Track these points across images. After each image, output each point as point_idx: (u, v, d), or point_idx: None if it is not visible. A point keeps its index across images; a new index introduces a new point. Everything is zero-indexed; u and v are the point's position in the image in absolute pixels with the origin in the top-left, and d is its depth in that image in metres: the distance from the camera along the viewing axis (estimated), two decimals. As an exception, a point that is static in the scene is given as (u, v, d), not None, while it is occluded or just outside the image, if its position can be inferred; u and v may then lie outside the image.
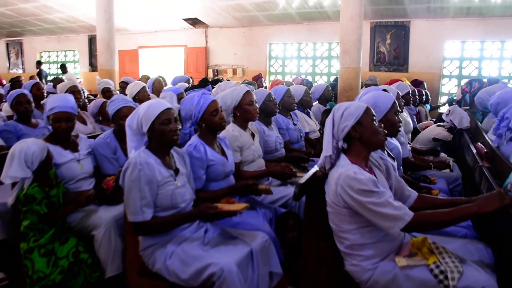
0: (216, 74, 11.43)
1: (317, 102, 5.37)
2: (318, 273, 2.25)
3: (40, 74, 11.67)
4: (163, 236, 2.29)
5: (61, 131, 2.86)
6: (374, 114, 2.09)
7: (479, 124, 4.50)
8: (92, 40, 12.68)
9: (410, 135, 4.87)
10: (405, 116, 4.62)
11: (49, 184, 2.57)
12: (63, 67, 11.67)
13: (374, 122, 2.05)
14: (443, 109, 7.56)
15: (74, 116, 2.92)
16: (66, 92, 4.50)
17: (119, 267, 2.69)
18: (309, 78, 10.59)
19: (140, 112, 2.29)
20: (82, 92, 4.90)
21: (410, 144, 4.49)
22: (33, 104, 3.87)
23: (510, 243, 1.87)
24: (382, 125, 2.12)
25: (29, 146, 2.45)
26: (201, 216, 2.28)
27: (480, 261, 2.05)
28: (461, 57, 9.53)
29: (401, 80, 5.87)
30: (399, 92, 3.82)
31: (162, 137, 2.27)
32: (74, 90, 4.60)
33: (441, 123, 4.88)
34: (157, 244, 2.28)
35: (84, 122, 4.38)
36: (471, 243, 2.23)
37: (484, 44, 9.26)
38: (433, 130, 4.65)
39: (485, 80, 7.15)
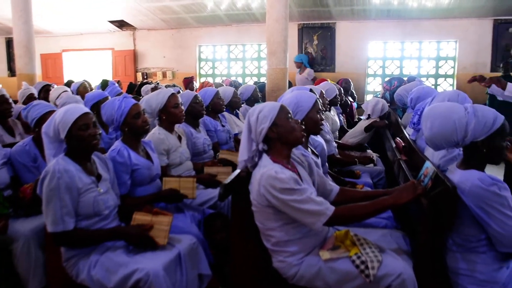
0: (145, 77, 11.17)
1: (244, 103, 5.40)
2: (247, 272, 2.27)
3: None
4: (86, 247, 2.21)
5: None
6: (289, 111, 2.14)
7: (399, 120, 4.73)
8: (9, 43, 11.90)
9: (337, 133, 5.03)
10: (332, 115, 4.76)
11: None
12: None
13: (290, 120, 2.09)
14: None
15: None
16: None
17: (42, 281, 2.58)
18: (239, 79, 10.63)
19: (56, 119, 2.20)
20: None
21: (339, 141, 4.65)
22: None
23: (423, 230, 1.99)
24: (299, 121, 2.18)
25: None
26: (126, 237, 2.23)
27: (398, 249, 2.17)
28: (384, 57, 9.98)
29: (327, 80, 6.03)
30: (323, 91, 3.94)
31: (81, 143, 2.20)
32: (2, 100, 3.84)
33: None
34: (80, 254, 2.21)
35: (12, 133, 4.01)
36: (391, 232, 2.36)
37: (404, 45, 9.76)
38: (364, 122, 4.83)
39: (405, 78, 7.56)
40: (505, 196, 1.85)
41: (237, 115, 4.79)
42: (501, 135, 1.95)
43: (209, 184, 2.98)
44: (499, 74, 7.62)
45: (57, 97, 4.80)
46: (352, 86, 7.88)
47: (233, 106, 4.69)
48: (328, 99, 4.57)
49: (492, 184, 1.85)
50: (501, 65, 7.60)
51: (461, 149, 2.10)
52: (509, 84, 3.36)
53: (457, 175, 2.00)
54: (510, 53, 8.58)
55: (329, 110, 4.69)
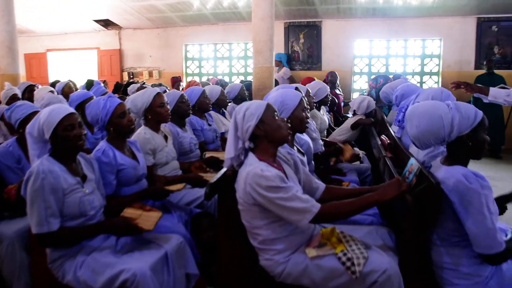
0: (131, 77, 11.08)
1: (231, 102, 5.40)
2: (234, 270, 2.27)
3: None
4: (72, 246, 2.18)
5: None
6: (276, 109, 2.15)
7: (385, 117, 4.77)
8: (-8, 43, 11.73)
9: (326, 132, 5.05)
10: (321, 114, 4.78)
11: None
12: None
13: (276, 118, 2.10)
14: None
15: None
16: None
17: (27, 283, 2.56)
18: (226, 78, 10.60)
19: (41, 119, 2.18)
20: None
21: (326, 139, 4.67)
22: None
23: (407, 226, 2.01)
24: (285, 119, 2.19)
25: None
26: (112, 228, 2.23)
27: (384, 245, 2.18)
28: (370, 55, 10.03)
29: (314, 79, 6.06)
30: (309, 90, 3.95)
31: (66, 143, 2.18)
32: None
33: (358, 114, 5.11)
34: (66, 255, 2.18)
35: None
36: (377, 229, 2.37)
37: (389, 43, 9.83)
38: (351, 119, 4.86)
39: (391, 76, 7.63)
40: (485, 194, 1.87)
41: (223, 114, 4.78)
42: (483, 128, 1.99)
43: (196, 183, 2.97)
44: (483, 71, 7.75)
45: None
46: (338, 79, 7.97)
47: (219, 105, 4.68)
48: (319, 99, 4.61)
49: (475, 180, 1.88)
50: (485, 63, 7.75)
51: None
52: (491, 89, 3.48)
53: (442, 171, 2.03)
54: (493, 51, 8.69)
55: (319, 109, 4.72)
